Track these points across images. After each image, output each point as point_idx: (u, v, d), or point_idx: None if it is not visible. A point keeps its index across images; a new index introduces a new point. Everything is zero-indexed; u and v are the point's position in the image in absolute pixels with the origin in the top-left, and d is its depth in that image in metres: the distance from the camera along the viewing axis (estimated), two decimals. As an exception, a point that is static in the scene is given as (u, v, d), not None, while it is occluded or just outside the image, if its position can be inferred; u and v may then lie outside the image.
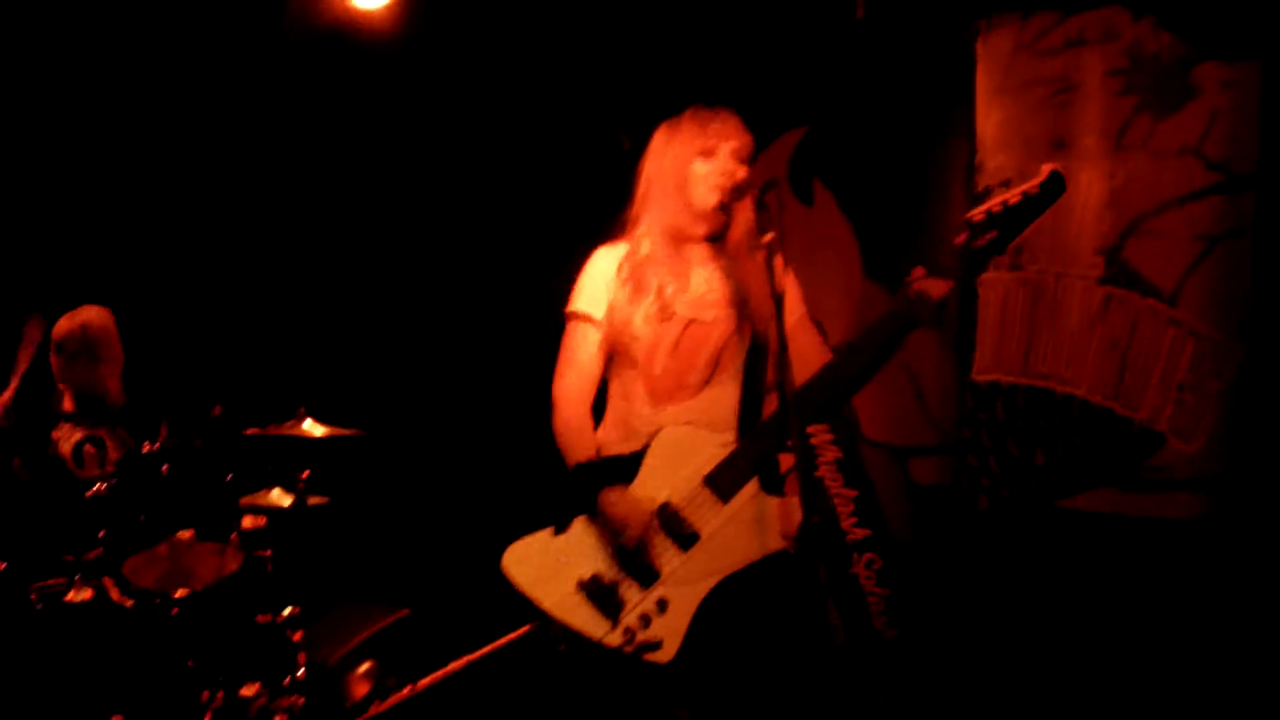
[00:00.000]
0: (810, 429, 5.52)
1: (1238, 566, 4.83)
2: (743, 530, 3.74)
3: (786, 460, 3.81)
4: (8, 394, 5.82)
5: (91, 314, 5.77)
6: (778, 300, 3.51)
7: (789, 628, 3.79)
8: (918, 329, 3.69)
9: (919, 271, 3.69)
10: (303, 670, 5.05)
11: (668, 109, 4.11)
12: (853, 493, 5.62)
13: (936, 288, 3.65)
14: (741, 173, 3.88)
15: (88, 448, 5.59)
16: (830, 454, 5.63)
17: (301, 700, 5.02)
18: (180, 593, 4.98)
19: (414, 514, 6.50)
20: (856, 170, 5.68)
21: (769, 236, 3.59)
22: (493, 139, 6.48)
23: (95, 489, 5.05)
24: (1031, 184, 3.53)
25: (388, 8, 5.99)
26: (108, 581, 4.92)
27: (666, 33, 5.97)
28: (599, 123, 5.96)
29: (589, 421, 4.00)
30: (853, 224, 5.68)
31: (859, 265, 5.63)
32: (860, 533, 5.60)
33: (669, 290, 3.90)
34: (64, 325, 5.75)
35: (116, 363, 5.79)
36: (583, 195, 5.41)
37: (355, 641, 5.62)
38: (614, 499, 3.77)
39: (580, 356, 4.00)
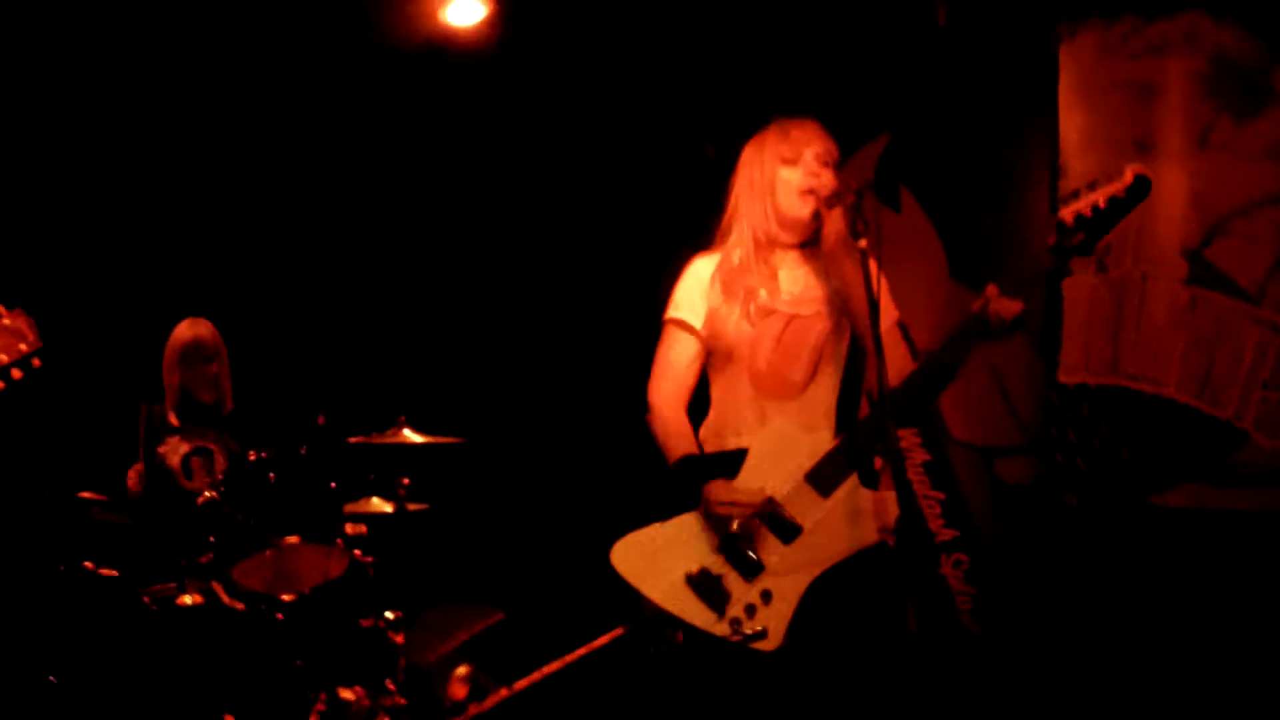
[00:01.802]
0: (900, 432, 5.60)
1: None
2: (842, 524, 3.83)
3: (879, 458, 3.90)
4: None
5: (206, 323, 5.94)
6: (873, 304, 3.61)
7: (887, 617, 3.89)
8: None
9: (992, 290, 3.75)
10: (403, 673, 5.18)
11: (756, 121, 4.22)
12: (940, 494, 5.69)
13: (1008, 307, 3.73)
14: (827, 177, 3.98)
15: (195, 460, 5.76)
16: (919, 456, 5.71)
17: (402, 701, 5.15)
18: (287, 596, 5.15)
19: (510, 519, 6.59)
20: (941, 175, 5.76)
21: (864, 241, 3.70)
22: (588, 151, 6.59)
23: (205, 496, 5.20)
24: (1117, 186, 3.59)
25: (481, 25, 6.11)
26: (217, 586, 5.08)
27: (753, 45, 6.06)
28: (691, 134, 6.05)
29: (687, 423, 4.10)
30: (938, 228, 5.76)
31: (945, 268, 5.70)
32: (948, 533, 5.67)
33: (763, 294, 4.01)
34: (183, 332, 5.90)
35: (226, 372, 5.95)
36: (678, 205, 5.50)
37: (453, 644, 5.76)
38: (719, 494, 3.87)
39: (677, 362, 4.11)
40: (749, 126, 4.23)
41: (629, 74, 6.38)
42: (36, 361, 3.60)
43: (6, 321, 3.60)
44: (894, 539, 3.83)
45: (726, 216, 4.14)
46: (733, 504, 3.84)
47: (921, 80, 5.76)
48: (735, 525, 3.83)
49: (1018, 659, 5.43)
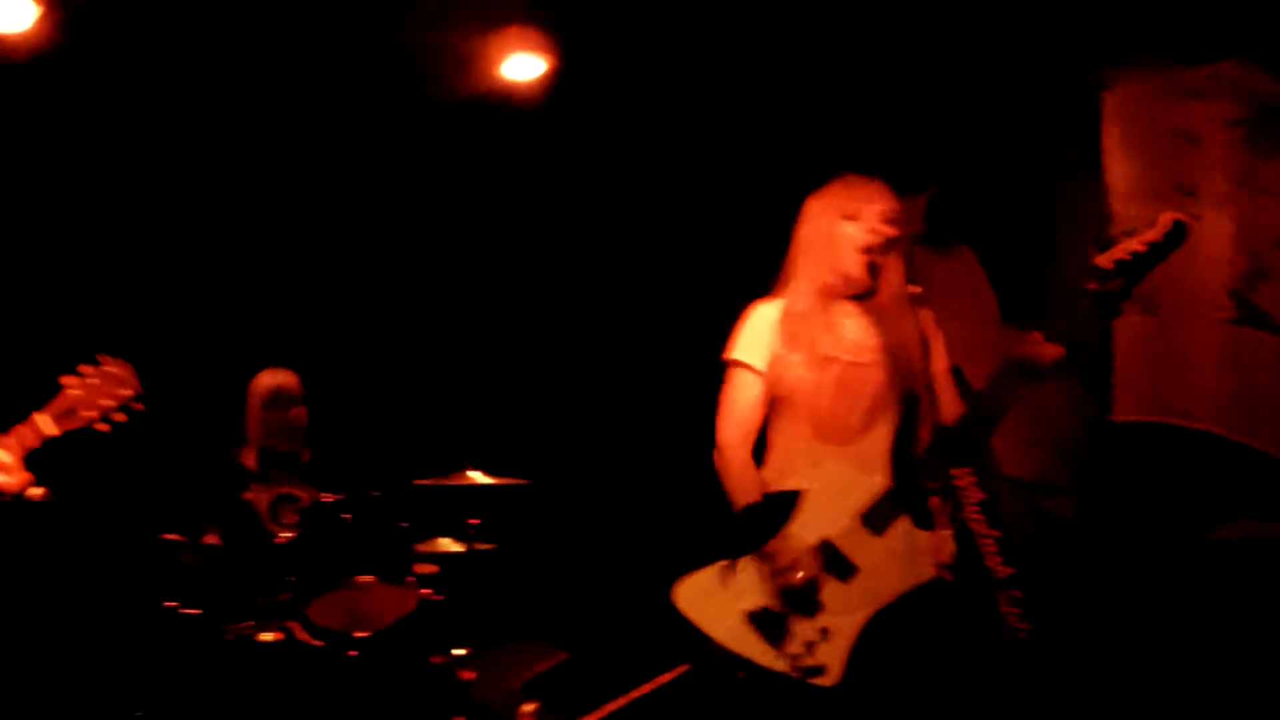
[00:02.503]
0: (955, 472, 5.70)
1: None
2: (897, 562, 3.96)
3: (935, 498, 4.04)
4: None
5: (288, 372, 6.08)
6: (925, 350, 3.77)
7: (945, 649, 4.01)
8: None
9: (1036, 336, 3.90)
10: (472, 709, 5.32)
11: (815, 173, 4.37)
12: (997, 533, 5.78)
13: (1049, 351, 3.86)
14: (887, 233, 4.11)
15: (281, 505, 5.90)
16: (975, 496, 5.81)
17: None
18: (361, 634, 5.25)
19: (575, 559, 6.71)
20: (991, 223, 5.88)
21: (915, 290, 3.86)
22: (652, 199, 6.76)
23: (284, 537, 5.37)
24: (1155, 233, 3.72)
25: (544, 77, 6.29)
26: (294, 624, 5.24)
27: (802, 100, 6.22)
28: (752, 186, 6.18)
29: (752, 463, 4.22)
30: (989, 274, 5.88)
31: (996, 312, 5.83)
32: (1006, 571, 5.76)
33: (823, 342, 4.15)
34: (267, 380, 6.04)
35: (305, 420, 6.08)
36: (739, 250, 5.58)
37: (520, 681, 5.87)
38: (779, 537, 4.02)
39: (741, 403, 4.23)
40: (808, 178, 4.39)
41: (690, 128, 6.52)
42: (138, 405, 3.82)
43: (111, 369, 3.82)
44: (950, 575, 3.96)
45: (787, 265, 4.28)
46: (789, 554, 3.98)
47: (971, 131, 5.89)
48: (800, 579, 3.98)
49: (1075, 694, 5.50)
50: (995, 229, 5.88)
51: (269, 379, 6.08)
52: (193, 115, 6.46)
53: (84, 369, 3.81)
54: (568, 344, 7.00)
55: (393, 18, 5.99)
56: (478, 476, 5.67)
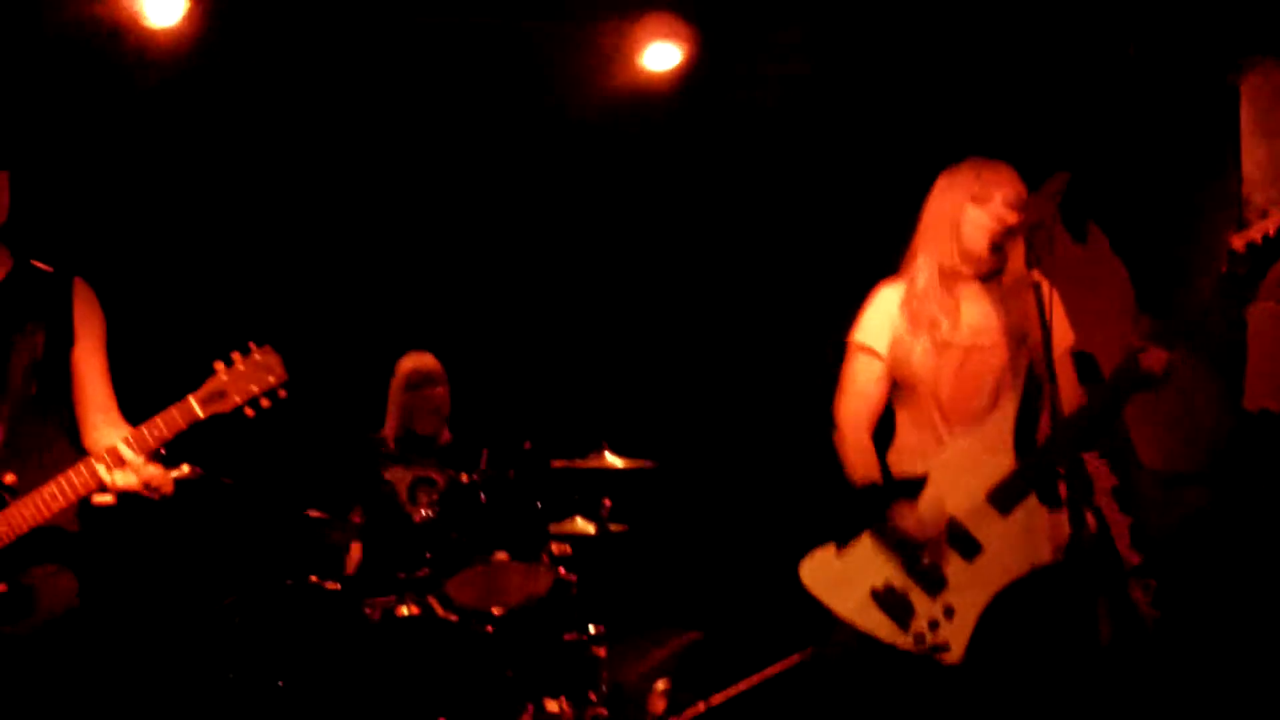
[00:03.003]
0: (1086, 457, 5.71)
1: None
2: (1021, 542, 4.01)
3: (1064, 482, 4.07)
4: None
5: (430, 356, 6.25)
6: (1047, 334, 3.81)
7: (1064, 632, 4.04)
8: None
9: (1141, 342, 3.94)
10: (605, 685, 5.42)
11: (944, 158, 4.42)
12: (1128, 519, 5.76)
13: (1156, 358, 3.91)
14: (1013, 219, 4.15)
15: (420, 486, 6.07)
16: (1106, 481, 5.80)
17: (604, 713, 5.39)
18: (496, 610, 5.37)
19: (706, 539, 6.79)
20: (1127, 209, 5.85)
21: (1038, 273, 3.90)
22: (779, 183, 6.82)
23: (422, 516, 5.53)
24: (1288, 216, 3.74)
25: (680, 67, 6.33)
26: (432, 599, 5.38)
27: (942, 82, 6.24)
28: (881, 168, 6.23)
29: (871, 446, 4.29)
30: (1125, 260, 5.86)
31: (1132, 298, 5.80)
32: (1136, 557, 5.74)
33: (944, 325, 4.20)
34: (409, 363, 6.22)
35: (447, 403, 6.24)
36: (863, 231, 5.61)
37: (653, 661, 5.97)
38: (904, 513, 4.07)
39: (864, 385, 4.31)
40: (939, 163, 4.43)
41: (819, 109, 6.57)
42: (283, 393, 3.96)
43: (258, 357, 3.97)
44: (1064, 557, 3.99)
45: (913, 245, 4.34)
46: (916, 531, 4.05)
47: (1106, 114, 5.86)
48: (921, 553, 4.04)
49: (1206, 683, 5.47)
50: (1130, 215, 5.85)
51: (410, 362, 6.24)
52: (336, 106, 6.62)
53: (234, 356, 3.97)
54: (699, 328, 7.08)
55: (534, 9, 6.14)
56: (612, 459, 5.77)
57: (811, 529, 4.26)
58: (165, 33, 5.83)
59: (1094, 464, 5.80)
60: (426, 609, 5.35)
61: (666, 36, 6.24)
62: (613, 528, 5.77)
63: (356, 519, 5.93)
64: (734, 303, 6.99)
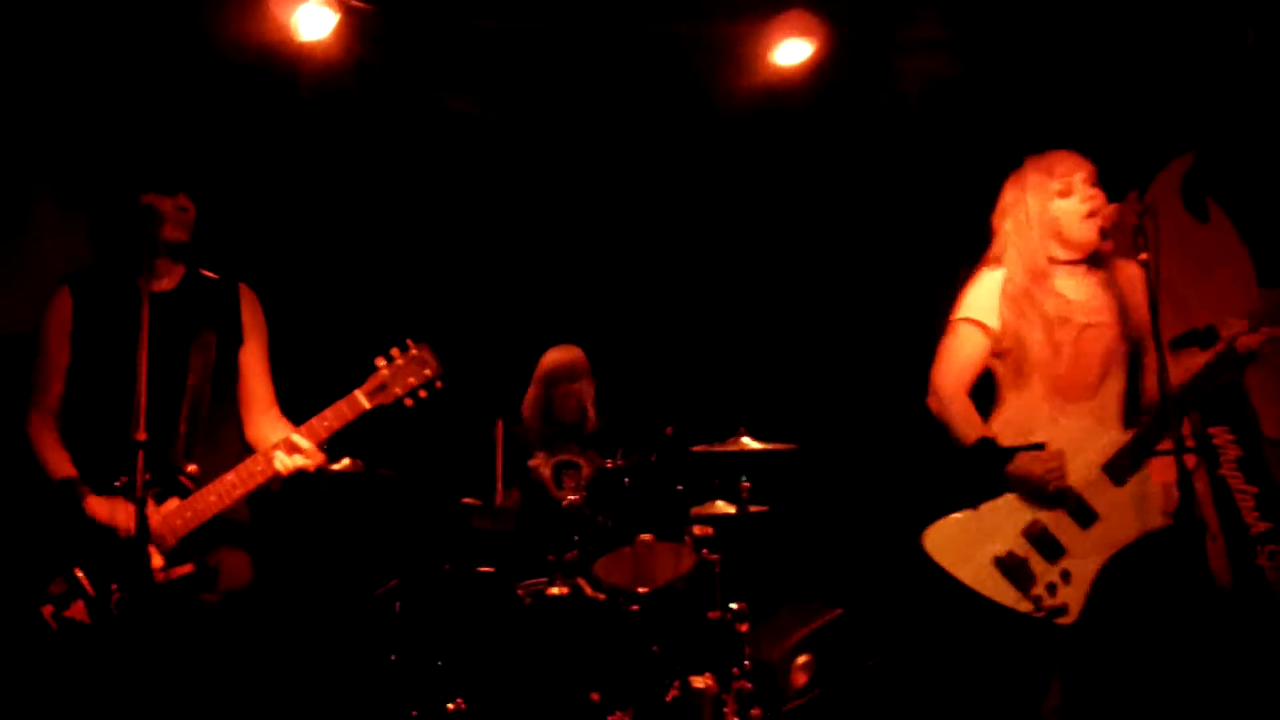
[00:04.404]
0: (1211, 430, 5.80)
1: None
2: (1134, 510, 4.22)
3: (1191, 455, 4.22)
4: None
5: (575, 349, 6.50)
6: (1155, 310, 3.95)
7: (1176, 594, 4.20)
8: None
9: (1240, 325, 4.05)
10: (748, 661, 5.56)
11: (1047, 141, 4.54)
12: (1254, 489, 5.81)
13: (1247, 342, 4.12)
14: (1100, 197, 4.32)
15: (564, 471, 6.31)
16: (1232, 452, 5.85)
17: (749, 687, 5.51)
18: (642, 589, 5.54)
19: (843, 519, 6.94)
20: (1247, 188, 5.90)
21: (1144, 255, 4.04)
22: (910, 174, 6.95)
23: (570, 501, 5.74)
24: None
25: (806, 64, 6.47)
26: (581, 580, 5.56)
27: (1058, 68, 6.30)
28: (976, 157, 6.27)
29: (971, 405, 4.49)
30: (1244, 238, 5.90)
31: (1253, 275, 5.85)
32: (1262, 526, 5.79)
33: (1054, 305, 4.36)
34: (554, 357, 6.48)
35: (591, 395, 6.49)
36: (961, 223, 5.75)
37: (795, 638, 6.11)
38: (1025, 460, 4.27)
39: (968, 355, 4.53)
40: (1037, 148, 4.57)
41: (946, 101, 6.68)
42: (439, 384, 4.26)
43: (415, 352, 4.28)
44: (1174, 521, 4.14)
45: (1000, 239, 4.52)
46: (1040, 476, 4.21)
47: (1227, 97, 5.90)
48: (1053, 488, 4.20)
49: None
50: (1252, 194, 5.89)
51: (556, 355, 6.48)
52: (487, 113, 6.90)
53: (394, 352, 4.26)
54: (832, 316, 7.23)
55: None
56: (750, 442, 5.89)
57: (945, 506, 4.45)
58: (317, 46, 6.05)
59: (1221, 436, 5.86)
60: (576, 589, 5.51)
61: (799, 34, 6.35)
62: (752, 509, 5.87)
63: (509, 504, 6.18)
64: (868, 287, 7.12)
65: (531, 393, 6.55)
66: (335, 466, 5.26)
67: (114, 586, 4.06)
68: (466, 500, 5.81)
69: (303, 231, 6.79)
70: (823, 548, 6.87)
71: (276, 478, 4.24)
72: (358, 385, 4.29)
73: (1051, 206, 4.42)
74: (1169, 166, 6.02)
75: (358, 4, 5.99)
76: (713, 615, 5.67)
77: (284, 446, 4.22)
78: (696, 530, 5.79)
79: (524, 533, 6.10)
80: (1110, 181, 4.53)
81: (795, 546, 6.72)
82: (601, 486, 5.80)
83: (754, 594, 5.74)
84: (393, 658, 5.48)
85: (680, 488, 5.84)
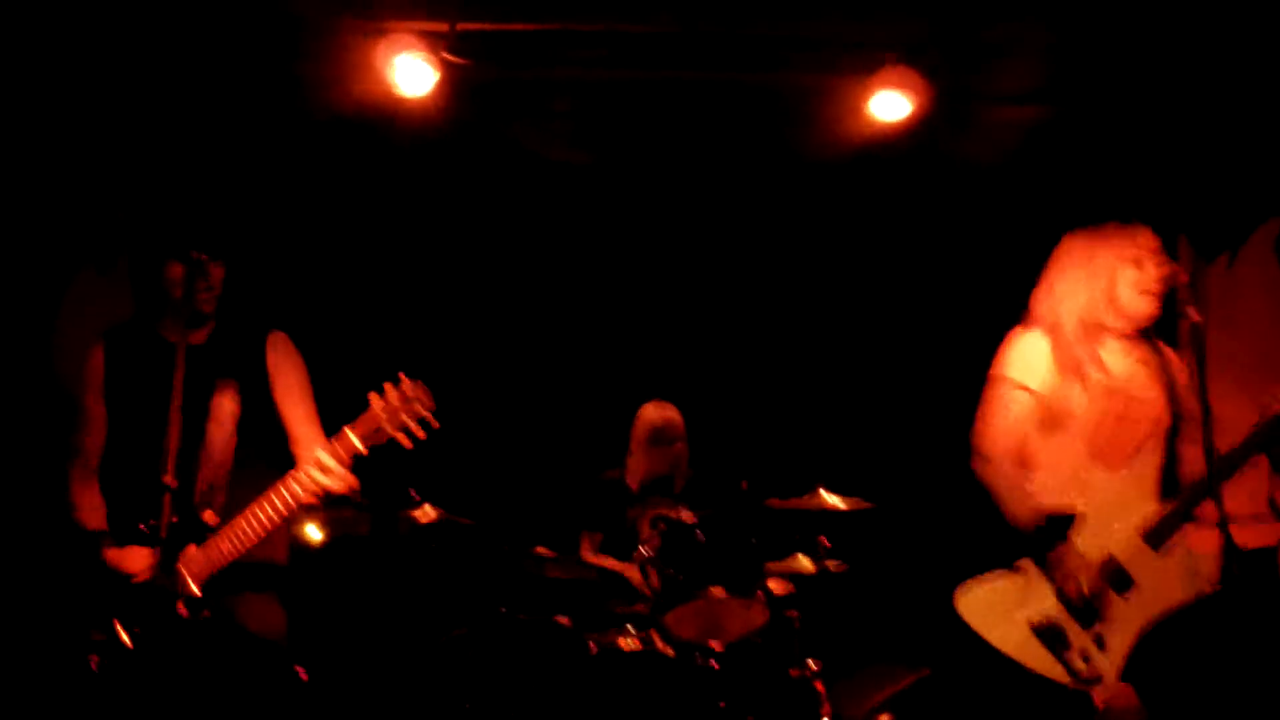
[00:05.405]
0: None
1: None
2: (1172, 578, 4.13)
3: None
4: None
5: (671, 406, 6.62)
6: (1203, 374, 3.87)
7: (1222, 660, 4.07)
8: None
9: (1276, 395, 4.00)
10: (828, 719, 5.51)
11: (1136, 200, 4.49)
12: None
13: None
14: (1163, 275, 4.25)
15: (660, 525, 6.31)
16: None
17: (828, 746, 5.50)
18: (715, 644, 5.49)
19: (926, 578, 6.78)
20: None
21: (1197, 319, 3.97)
22: (978, 237, 6.98)
23: (640, 554, 5.73)
24: None
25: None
26: (653, 633, 5.57)
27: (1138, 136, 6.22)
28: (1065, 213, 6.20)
29: (1020, 472, 4.43)
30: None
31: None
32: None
33: (1104, 373, 4.31)
34: (652, 414, 6.62)
35: (686, 452, 6.60)
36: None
37: (879, 698, 6.05)
38: (1062, 551, 4.19)
39: (1015, 417, 4.48)
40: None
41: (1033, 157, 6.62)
42: (435, 424, 4.24)
43: (408, 389, 4.24)
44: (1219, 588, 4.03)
45: (1046, 298, 4.46)
46: (1074, 569, 4.13)
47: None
48: (1085, 589, 4.12)
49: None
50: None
51: (653, 414, 6.59)
52: (582, 163, 7.00)
53: (386, 387, 4.24)
54: (916, 368, 7.22)
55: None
56: (829, 498, 5.85)
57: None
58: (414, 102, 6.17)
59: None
60: (648, 643, 5.53)
61: (898, 87, 6.33)
62: (832, 566, 5.85)
63: (587, 555, 6.24)
64: (953, 343, 6.92)
65: (632, 447, 6.67)
66: (416, 514, 5.35)
67: (136, 630, 4.17)
68: (540, 550, 5.85)
69: (399, 281, 7.00)
70: (904, 606, 6.74)
71: (296, 514, 4.29)
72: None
73: (1119, 271, 4.38)
74: (1263, 227, 5.86)
75: (455, 59, 6.08)
76: (794, 673, 5.62)
77: (314, 464, 4.24)
78: (773, 586, 5.76)
79: (606, 584, 6.12)
80: (1202, 244, 4.52)
81: (875, 604, 6.70)
82: (676, 540, 5.73)
83: (836, 652, 5.70)
84: (466, 707, 5.48)
85: (753, 541, 5.75)
